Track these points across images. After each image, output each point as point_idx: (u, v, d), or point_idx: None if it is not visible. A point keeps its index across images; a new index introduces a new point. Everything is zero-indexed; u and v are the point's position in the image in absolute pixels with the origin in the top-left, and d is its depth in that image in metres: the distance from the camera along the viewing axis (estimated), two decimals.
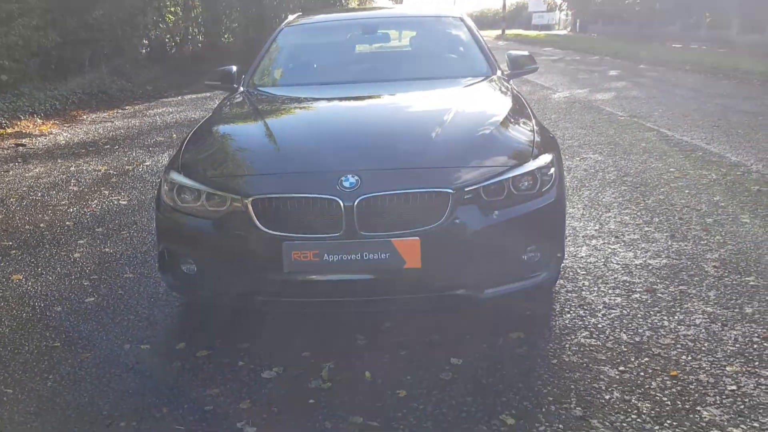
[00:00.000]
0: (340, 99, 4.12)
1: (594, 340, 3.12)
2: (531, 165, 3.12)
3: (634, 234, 4.55)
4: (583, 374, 2.82)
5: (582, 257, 4.17)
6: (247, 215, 2.95)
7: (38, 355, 3.17)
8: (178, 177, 3.22)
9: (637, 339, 3.10)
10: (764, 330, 3.11)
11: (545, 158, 3.20)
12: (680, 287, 3.65)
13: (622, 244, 4.37)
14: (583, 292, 3.65)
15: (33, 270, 4.26)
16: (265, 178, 3.13)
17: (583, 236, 4.55)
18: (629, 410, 2.54)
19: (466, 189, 2.96)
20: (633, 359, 2.92)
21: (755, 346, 2.98)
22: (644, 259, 4.09)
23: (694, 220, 4.78)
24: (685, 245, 4.29)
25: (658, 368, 2.83)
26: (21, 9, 10.95)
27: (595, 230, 4.67)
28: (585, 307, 3.46)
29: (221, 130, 3.69)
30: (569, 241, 4.46)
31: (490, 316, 3.35)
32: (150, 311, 3.62)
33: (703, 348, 2.98)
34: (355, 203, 2.86)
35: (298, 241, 2.91)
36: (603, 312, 3.40)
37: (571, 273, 3.92)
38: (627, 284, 3.73)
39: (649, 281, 3.76)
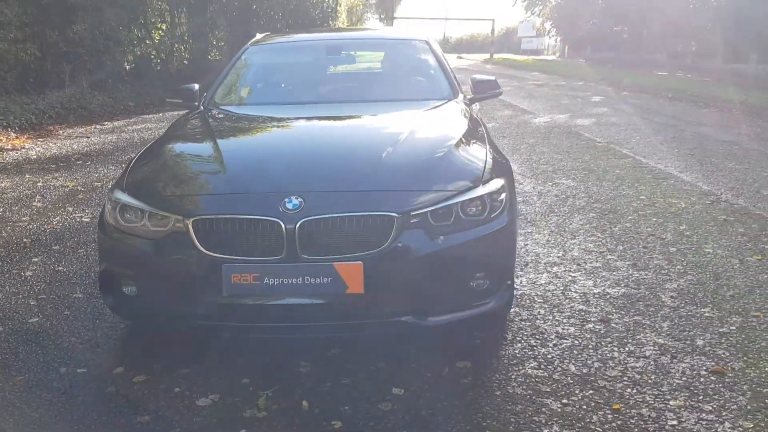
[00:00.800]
0: (296, 119, 4.07)
1: (541, 371, 3.05)
2: (480, 190, 3.08)
3: (597, 262, 4.50)
4: (525, 407, 2.75)
5: (541, 284, 4.11)
6: (188, 236, 2.88)
7: None
8: (121, 196, 3.15)
9: (584, 371, 3.03)
10: (713, 363, 3.06)
11: (496, 183, 3.15)
12: (635, 317, 3.60)
13: (583, 272, 4.32)
14: (537, 321, 3.59)
15: None
16: (208, 199, 3.07)
17: (545, 263, 4.50)
18: None
19: (413, 213, 2.90)
20: (578, 392, 2.85)
21: (702, 379, 2.92)
22: (603, 287, 4.04)
23: (657, 249, 4.75)
24: (646, 274, 4.24)
25: (602, 401, 2.76)
26: None
27: (558, 257, 4.62)
28: (537, 337, 3.40)
29: (171, 149, 3.62)
30: (531, 267, 4.41)
31: (439, 343, 3.28)
32: (93, 333, 3.52)
33: (650, 381, 2.92)
34: (297, 225, 2.80)
35: (238, 263, 2.84)
36: (554, 342, 3.34)
37: (527, 301, 3.86)
38: (582, 313, 3.67)
39: (604, 311, 3.70)
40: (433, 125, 3.77)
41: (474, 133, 3.70)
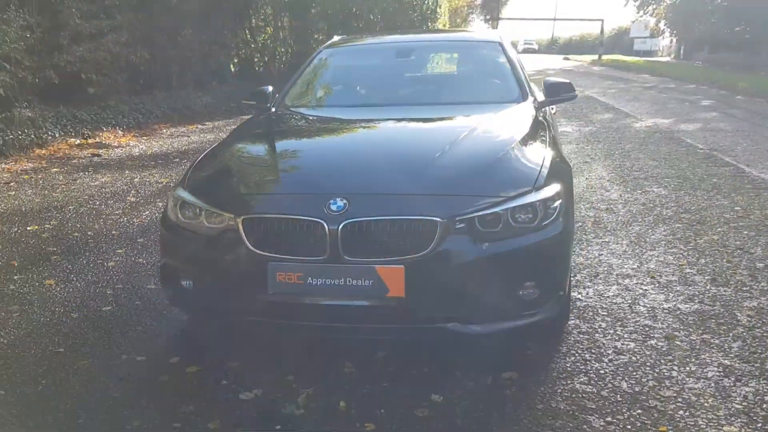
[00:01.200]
0: (357, 122, 4.09)
1: (590, 386, 2.92)
2: (532, 197, 2.98)
3: (673, 275, 4.27)
4: (565, 422, 2.65)
5: (608, 297, 3.94)
6: (238, 234, 2.96)
7: (40, 359, 3.28)
8: (182, 193, 3.28)
9: (636, 389, 2.88)
10: None
11: (550, 190, 3.05)
12: (703, 335, 3.38)
13: (657, 285, 4.11)
14: (597, 335, 3.44)
15: (66, 276, 4.44)
16: (259, 198, 3.14)
17: (617, 274, 4.31)
18: None
19: (458, 218, 2.86)
20: (625, 410, 2.71)
21: (764, 405, 2.70)
22: (675, 303, 3.83)
23: (743, 264, 4.44)
24: (725, 291, 3.98)
25: (648, 422, 2.61)
26: (110, 26, 11.60)
27: (633, 269, 4.41)
28: (593, 351, 3.26)
29: (232, 149, 3.74)
30: (600, 278, 4.24)
31: (487, 352, 3.21)
32: (158, 324, 3.69)
33: (706, 404, 2.73)
34: (340, 227, 2.82)
35: (283, 262, 2.89)
36: (610, 357, 3.19)
37: (590, 313, 3.72)
38: (646, 329, 3.49)
39: (671, 327, 3.50)
40: (493, 128, 3.69)
41: (536, 136, 3.59)
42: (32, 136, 9.21)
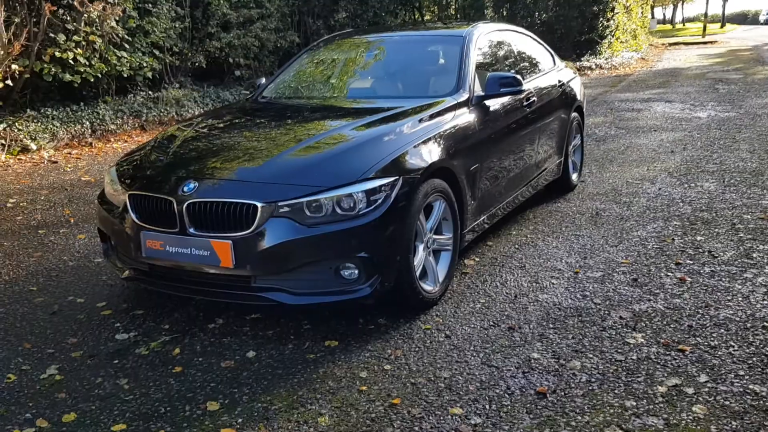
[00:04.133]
0: (273, 114, 4.53)
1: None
2: (352, 188, 3.33)
3: (596, 272, 4.25)
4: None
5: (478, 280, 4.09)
6: (126, 206, 3.67)
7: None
8: (112, 171, 4.06)
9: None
10: None
11: (376, 182, 3.36)
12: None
13: (554, 277, 4.15)
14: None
15: None
16: (142, 177, 3.77)
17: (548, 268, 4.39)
18: None
19: (281, 203, 3.30)
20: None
21: None
22: (557, 298, 3.88)
23: (666, 268, 4.26)
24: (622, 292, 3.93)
25: None
26: (260, 13, 12.89)
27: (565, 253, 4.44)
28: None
29: (164, 134, 4.42)
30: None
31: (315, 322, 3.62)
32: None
33: None
34: (185, 206, 3.41)
35: (150, 231, 3.55)
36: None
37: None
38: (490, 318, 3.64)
39: (520, 319, 3.62)
40: (377, 123, 3.95)
41: (415, 131, 3.83)
42: (173, 113, 10.73)
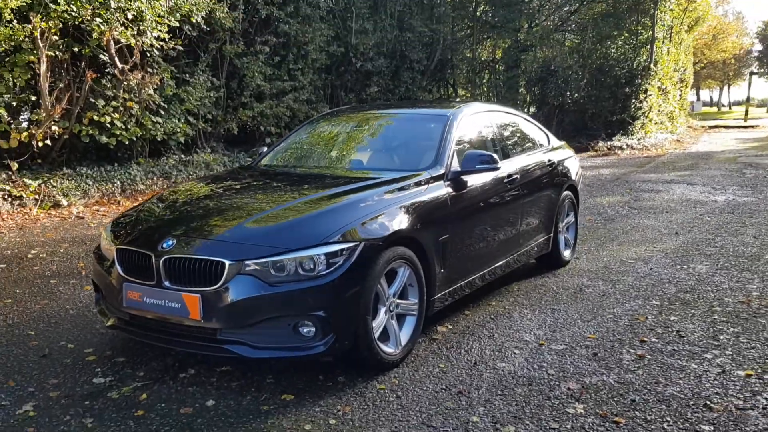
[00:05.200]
0: (259, 181, 4.86)
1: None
2: (312, 251, 3.60)
3: (560, 345, 4.38)
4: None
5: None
6: (114, 259, 4.01)
7: None
8: (108, 227, 4.42)
9: None
10: None
11: (335, 246, 3.63)
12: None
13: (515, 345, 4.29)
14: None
15: None
16: (129, 233, 4.11)
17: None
18: None
19: (246, 262, 3.59)
20: None
21: None
22: (508, 366, 4.02)
23: (629, 343, 4.36)
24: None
25: None
26: (293, 86, 13.57)
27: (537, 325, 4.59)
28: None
29: (164, 194, 4.79)
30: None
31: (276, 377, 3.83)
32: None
33: None
34: (161, 260, 3.72)
35: (131, 283, 3.86)
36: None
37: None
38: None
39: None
40: (350, 191, 4.22)
41: (382, 201, 4.09)
42: (203, 174, 11.28)
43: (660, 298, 5.41)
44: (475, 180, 4.87)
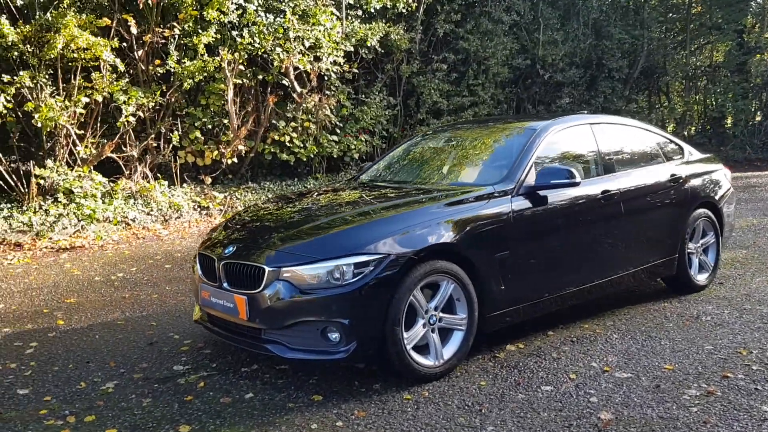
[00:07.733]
0: (349, 194, 5.04)
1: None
2: (341, 261, 3.81)
3: (625, 373, 4.07)
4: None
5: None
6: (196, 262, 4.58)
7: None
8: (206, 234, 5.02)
9: None
10: None
11: (364, 258, 3.81)
12: None
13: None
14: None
15: None
16: (210, 240, 4.64)
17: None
18: None
19: (284, 269, 3.91)
20: None
21: None
22: (550, 389, 3.83)
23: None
24: None
25: None
26: (473, 101, 13.71)
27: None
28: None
29: (252, 207, 5.26)
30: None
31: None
32: None
33: None
34: (221, 264, 4.18)
35: (204, 284, 4.38)
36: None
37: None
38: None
39: None
40: (397, 207, 4.32)
41: (420, 218, 4.12)
42: None
43: None
44: (556, 196, 4.69)
